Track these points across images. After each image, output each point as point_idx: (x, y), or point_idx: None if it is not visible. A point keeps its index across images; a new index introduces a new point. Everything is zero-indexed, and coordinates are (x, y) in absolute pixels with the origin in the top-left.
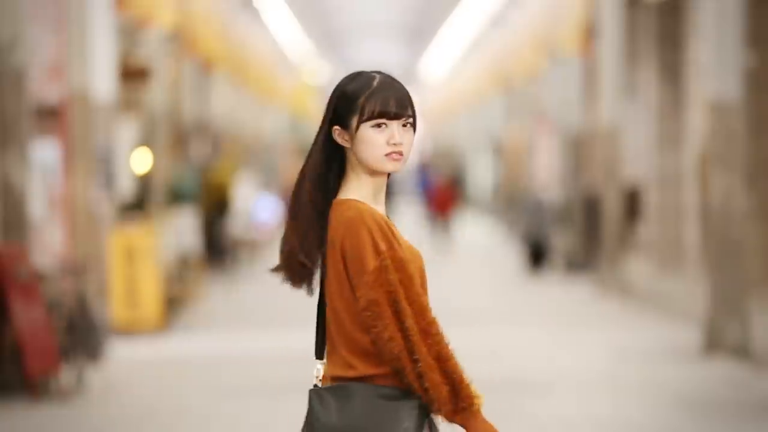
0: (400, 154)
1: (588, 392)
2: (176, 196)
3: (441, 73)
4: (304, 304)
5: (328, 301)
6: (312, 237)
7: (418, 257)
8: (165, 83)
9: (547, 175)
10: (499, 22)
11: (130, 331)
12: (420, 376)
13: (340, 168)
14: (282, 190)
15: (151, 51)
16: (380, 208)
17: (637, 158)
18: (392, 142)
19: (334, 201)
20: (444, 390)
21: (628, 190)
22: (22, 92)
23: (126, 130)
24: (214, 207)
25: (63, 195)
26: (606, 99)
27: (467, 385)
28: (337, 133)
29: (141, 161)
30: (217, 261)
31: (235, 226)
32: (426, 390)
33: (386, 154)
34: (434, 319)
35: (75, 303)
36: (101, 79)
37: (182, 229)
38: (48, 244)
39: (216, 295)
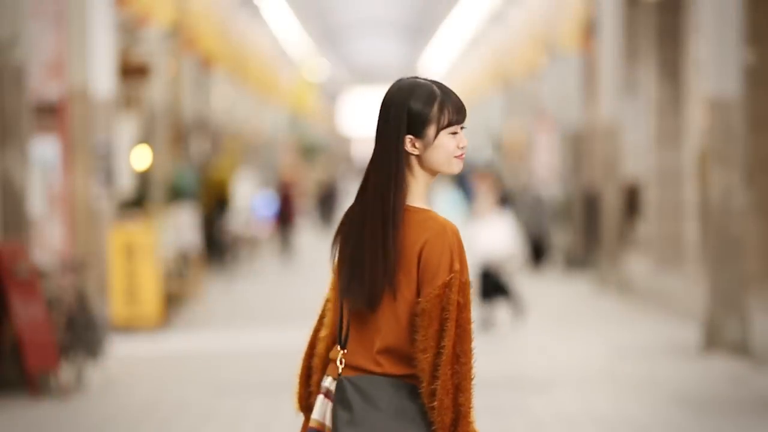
0: (463, 155)
1: (588, 389)
2: (176, 193)
3: (440, 71)
4: (303, 301)
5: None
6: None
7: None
8: (165, 80)
9: (546, 172)
10: (499, 19)
11: (129, 328)
12: (432, 394)
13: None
14: (279, 186)
15: (151, 48)
16: (426, 205)
17: (636, 155)
18: (461, 145)
19: (406, 207)
20: (448, 417)
21: (628, 187)
22: (22, 89)
23: (126, 127)
24: (214, 204)
25: (63, 192)
26: (605, 96)
27: (469, 422)
28: (410, 142)
29: (141, 158)
30: (217, 258)
31: (235, 223)
32: (432, 408)
33: (455, 156)
34: (471, 349)
35: (75, 300)
36: (101, 76)
37: (182, 226)
38: (48, 241)
39: (215, 292)
